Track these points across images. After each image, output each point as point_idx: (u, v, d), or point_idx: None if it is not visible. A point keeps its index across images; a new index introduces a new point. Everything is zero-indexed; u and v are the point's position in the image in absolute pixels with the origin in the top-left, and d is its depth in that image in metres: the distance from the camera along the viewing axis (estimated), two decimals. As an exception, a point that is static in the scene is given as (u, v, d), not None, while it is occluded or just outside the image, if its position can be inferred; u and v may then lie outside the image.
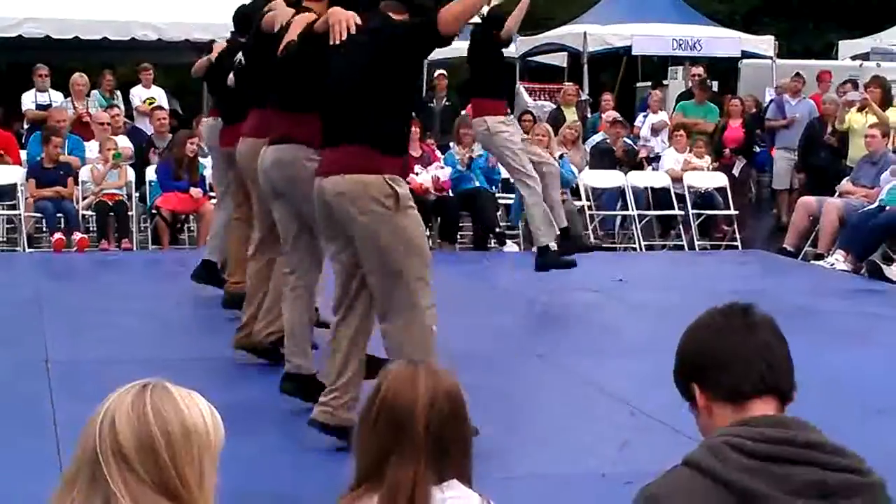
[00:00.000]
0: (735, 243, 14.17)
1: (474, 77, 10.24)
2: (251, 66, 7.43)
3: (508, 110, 10.26)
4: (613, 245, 14.02)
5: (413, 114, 7.56)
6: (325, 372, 5.86)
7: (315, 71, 5.85)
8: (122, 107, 15.53)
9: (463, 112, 16.99)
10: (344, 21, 5.57)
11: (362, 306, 5.68)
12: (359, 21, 5.58)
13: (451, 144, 13.56)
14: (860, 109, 14.38)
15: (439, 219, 13.17)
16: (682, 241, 14.01)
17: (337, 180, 5.47)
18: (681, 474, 2.39)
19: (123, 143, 13.41)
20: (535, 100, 20.07)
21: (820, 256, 12.61)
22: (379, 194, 5.40)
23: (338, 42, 5.58)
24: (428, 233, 12.88)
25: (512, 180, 10.42)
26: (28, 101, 14.85)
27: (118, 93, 15.86)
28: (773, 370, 2.47)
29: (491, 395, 7.02)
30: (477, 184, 13.08)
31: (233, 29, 8.70)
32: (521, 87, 20.83)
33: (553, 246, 9.71)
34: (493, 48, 9.93)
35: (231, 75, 8.12)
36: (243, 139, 7.34)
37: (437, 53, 20.04)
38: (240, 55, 7.83)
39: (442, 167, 13.08)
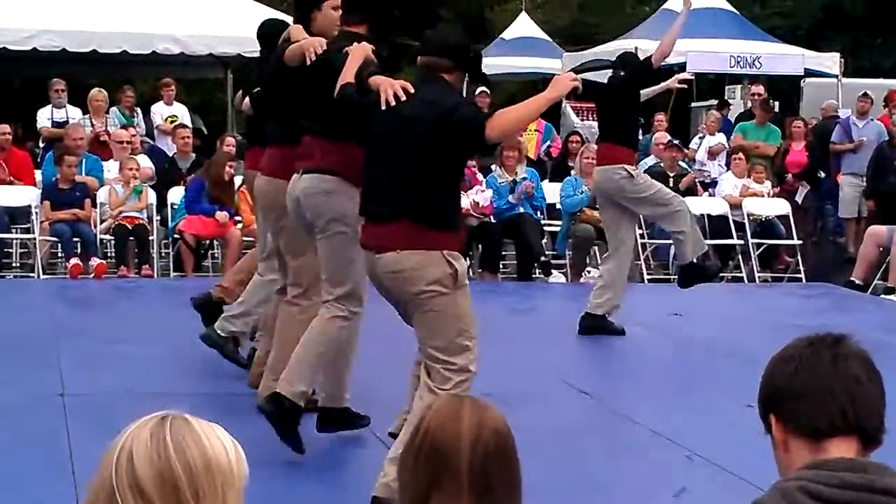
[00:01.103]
0: (798, 275, 14.11)
1: (610, 122, 10.26)
2: (271, 97, 7.51)
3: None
4: (668, 276, 13.95)
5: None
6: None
7: (357, 118, 6.00)
8: (142, 124, 15.66)
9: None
10: (393, 87, 5.66)
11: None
12: (409, 89, 5.66)
13: (493, 167, 13.55)
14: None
15: (480, 246, 13.15)
16: (741, 272, 13.96)
17: (392, 258, 5.60)
18: None
19: (144, 162, 13.44)
20: (582, 119, 20.05)
21: (891, 290, 12.56)
22: (438, 271, 5.54)
23: (387, 105, 5.65)
24: (468, 262, 13.00)
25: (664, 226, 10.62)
26: (43, 117, 14.99)
27: (138, 110, 15.96)
28: (857, 407, 2.43)
29: (535, 434, 7.04)
30: (521, 209, 13.09)
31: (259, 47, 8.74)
32: (567, 107, 20.85)
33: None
34: (634, 95, 10.14)
35: (247, 100, 8.23)
36: (261, 176, 7.44)
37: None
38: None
39: (483, 190, 13.08)
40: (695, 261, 10.04)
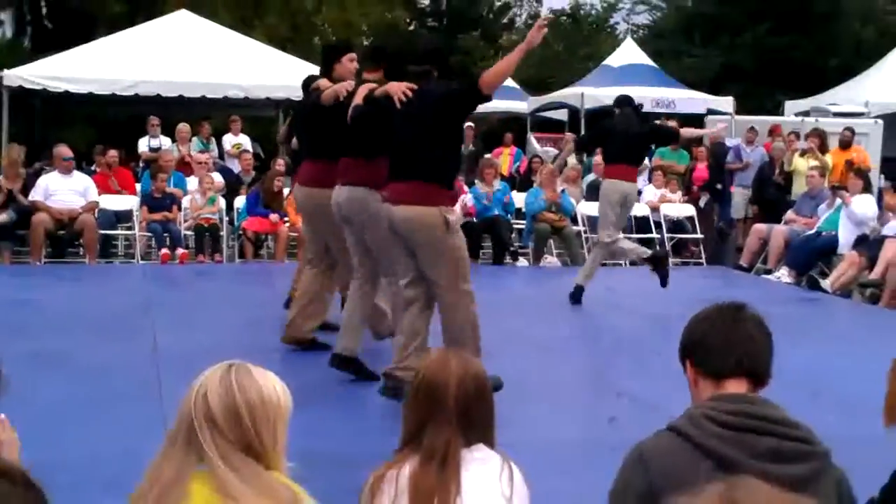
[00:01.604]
0: (701, 261, 14.09)
1: (637, 147, 10.08)
2: (306, 129, 7.57)
3: None
4: (604, 262, 13.92)
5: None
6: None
7: (378, 127, 6.12)
8: (216, 150, 15.64)
9: (487, 155, 17.06)
10: (401, 90, 5.85)
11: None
12: (413, 87, 5.84)
13: (476, 181, 13.53)
14: (802, 154, 14.35)
15: (467, 241, 13.07)
16: (659, 258, 13.92)
17: (404, 210, 5.79)
18: (666, 437, 2.40)
19: (217, 178, 13.47)
20: (542, 146, 20.06)
21: (769, 272, 12.56)
22: (436, 220, 5.72)
23: (399, 106, 5.83)
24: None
25: (609, 236, 10.06)
26: (143, 145, 15.00)
27: (213, 139, 15.95)
28: (749, 357, 2.47)
29: (506, 379, 7.02)
30: (496, 212, 13.07)
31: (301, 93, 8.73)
32: (531, 137, 20.88)
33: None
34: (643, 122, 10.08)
35: (283, 128, 8.23)
36: (299, 186, 7.48)
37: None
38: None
39: (468, 196, 13.07)
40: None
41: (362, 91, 6.33)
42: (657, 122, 10.75)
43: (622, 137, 9.70)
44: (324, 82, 7.11)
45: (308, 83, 7.83)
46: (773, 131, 16.52)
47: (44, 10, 27.99)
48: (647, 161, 15.95)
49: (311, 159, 7.35)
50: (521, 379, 6.98)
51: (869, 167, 14.36)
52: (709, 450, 2.31)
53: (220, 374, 2.41)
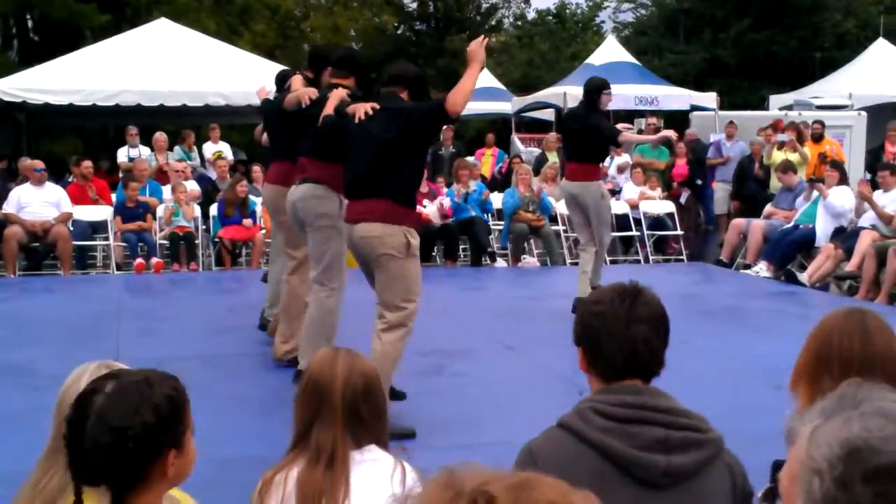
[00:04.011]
0: (682, 257, 13.97)
1: (580, 143, 8.98)
2: (273, 127, 7.52)
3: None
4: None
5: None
6: None
7: (342, 137, 6.02)
8: (198, 158, 15.54)
9: (470, 158, 16.95)
10: (363, 108, 5.77)
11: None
12: (376, 106, 5.75)
13: (453, 184, 13.42)
14: (780, 148, 14.23)
15: (444, 242, 12.96)
16: (639, 256, 13.83)
17: (365, 227, 5.68)
18: (555, 434, 2.35)
19: (192, 186, 13.34)
20: (526, 146, 19.96)
21: (748, 266, 12.45)
22: (397, 241, 5.64)
23: (358, 121, 5.74)
24: (434, 252, 12.87)
25: (582, 240, 9.36)
26: (122, 155, 14.89)
27: (195, 147, 15.85)
28: (638, 359, 2.38)
29: (471, 380, 6.94)
30: (473, 213, 12.94)
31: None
32: (514, 138, 20.78)
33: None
34: (600, 116, 9.01)
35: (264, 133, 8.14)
36: (267, 185, 7.43)
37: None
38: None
39: (445, 198, 12.92)
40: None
41: (334, 99, 6.20)
42: (621, 125, 10.10)
43: (567, 134, 9.47)
44: (296, 80, 7.06)
45: (282, 78, 7.75)
46: (777, 126, 15.95)
47: (30, 24, 27.89)
48: (628, 159, 15.90)
49: (278, 159, 7.38)
50: (483, 381, 6.91)
51: (842, 159, 14.23)
52: (595, 443, 2.26)
53: (106, 371, 2.30)
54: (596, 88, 8.92)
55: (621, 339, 2.37)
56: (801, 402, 2.72)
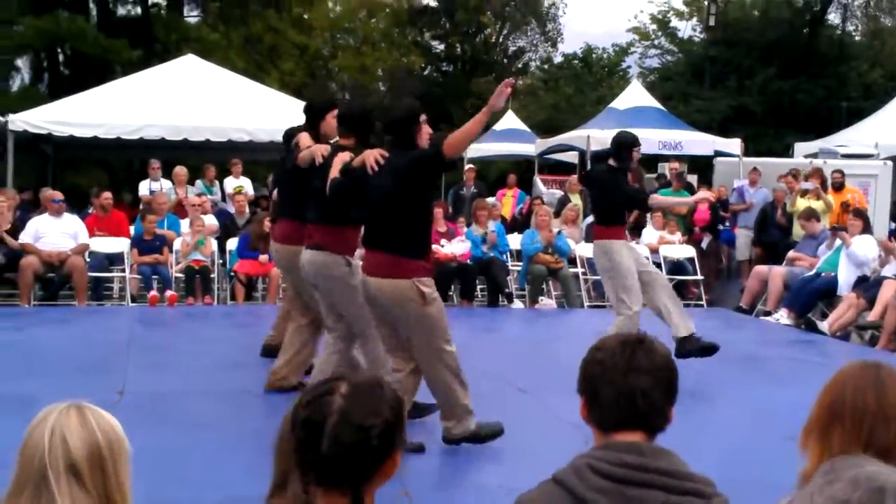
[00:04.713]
0: (701, 303, 13.76)
1: (603, 206, 8.49)
2: (284, 185, 7.57)
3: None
4: (603, 304, 13.62)
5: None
6: None
7: (351, 197, 6.03)
8: (219, 192, 15.54)
9: (491, 199, 16.86)
10: (373, 157, 5.72)
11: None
12: (385, 154, 5.71)
13: (472, 224, 13.31)
14: (803, 195, 14.07)
15: (460, 282, 12.81)
16: (659, 301, 13.60)
17: (377, 282, 5.68)
18: (549, 489, 2.22)
19: (211, 220, 13.30)
20: (548, 188, 19.86)
21: (768, 314, 12.24)
22: (410, 294, 5.59)
23: (372, 172, 5.71)
24: (451, 292, 12.74)
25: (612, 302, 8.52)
26: (143, 188, 14.87)
27: (217, 181, 15.85)
28: (637, 412, 2.26)
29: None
30: (491, 254, 12.82)
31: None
32: (537, 179, 20.70)
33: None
34: (622, 178, 8.42)
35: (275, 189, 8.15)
36: (275, 243, 7.51)
37: (469, 152, 19.65)
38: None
39: (463, 241, 12.77)
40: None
41: (338, 161, 6.16)
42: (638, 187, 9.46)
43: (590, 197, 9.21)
44: (303, 138, 6.98)
45: (289, 136, 7.66)
46: (795, 175, 15.32)
47: (61, 58, 28.21)
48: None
49: (286, 217, 7.35)
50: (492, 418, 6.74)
51: (865, 207, 14.04)
52: (589, 503, 2.13)
53: (74, 414, 2.17)
54: (626, 144, 8.33)
55: (619, 389, 2.26)
56: (811, 458, 2.57)
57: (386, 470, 2.05)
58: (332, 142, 6.77)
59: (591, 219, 14.51)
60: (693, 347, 8.18)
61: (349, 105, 7.47)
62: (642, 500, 2.12)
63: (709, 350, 8.26)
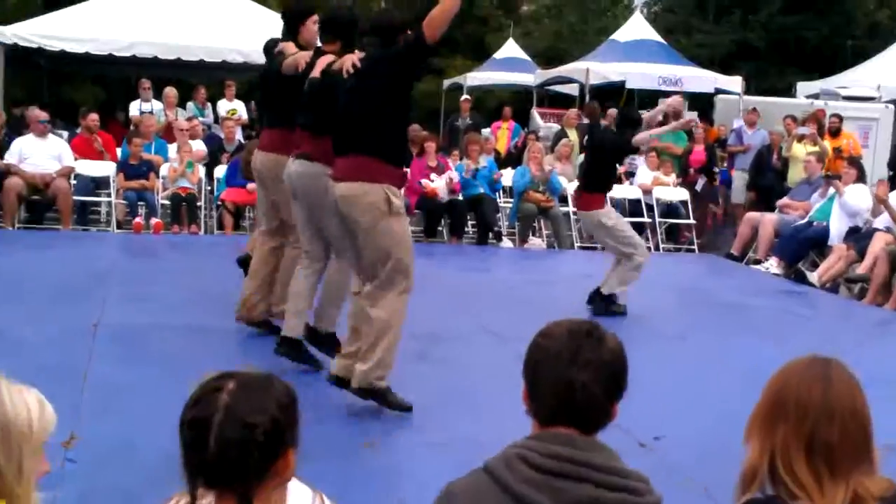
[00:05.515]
0: (693, 247, 13.63)
1: (592, 171, 8.91)
2: (269, 94, 7.20)
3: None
4: (594, 245, 13.51)
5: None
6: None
7: (332, 103, 5.77)
8: (211, 115, 15.28)
9: (485, 130, 16.61)
10: (349, 60, 5.59)
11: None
12: (361, 56, 5.58)
13: (463, 158, 13.11)
14: (800, 140, 13.85)
15: (450, 218, 12.65)
16: (649, 243, 13.47)
17: (345, 186, 5.46)
18: (478, 478, 2.15)
19: (199, 146, 13.07)
20: (545, 122, 19.59)
21: (757, 262, 12.12)
22: (376, 199, 5.37)
23: (346, 75, 5.56)
24: (441, 228, 12.60)
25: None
26: (134, 108, 14.62)
27: (209, 104, 15.58)
28: (573, 410, 2.15)
29: (452, 370, 6.68)
30: (482, 190, 12.65)
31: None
32: (534, 112, 20.42)
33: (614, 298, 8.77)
34: (621, 151, 9.12)
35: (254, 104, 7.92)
36: (258, 151, 7.14)
37: (468, 80, 19.21)
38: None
39: (454, 172, 12.60)
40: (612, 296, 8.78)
41: (320, 64, 6.05)
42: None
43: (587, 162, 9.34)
44: (289, 46, 6.80)
45: (270, 47, 7.46)
46: (818, 118, 14.76)
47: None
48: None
49: (270, 127, 7.10)
50: (469, 368, 6.67)
51: (860, 154, 13.83)
52: (517, 495, 2.07)
53: None
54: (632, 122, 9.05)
55: (559, 380, 2.15)
56: (753, 452, 2.44)
57: (278, 469, 1.99)
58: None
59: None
60: (609, 309, 8.60)
61: (334, 10, 7.20)
62: (570, 493, 2.05)
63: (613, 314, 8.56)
